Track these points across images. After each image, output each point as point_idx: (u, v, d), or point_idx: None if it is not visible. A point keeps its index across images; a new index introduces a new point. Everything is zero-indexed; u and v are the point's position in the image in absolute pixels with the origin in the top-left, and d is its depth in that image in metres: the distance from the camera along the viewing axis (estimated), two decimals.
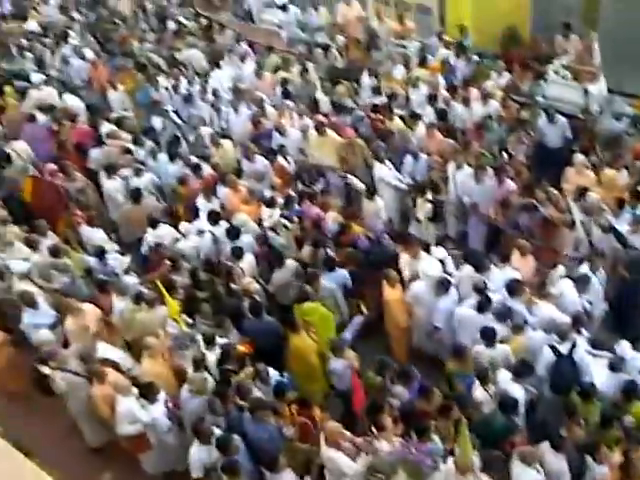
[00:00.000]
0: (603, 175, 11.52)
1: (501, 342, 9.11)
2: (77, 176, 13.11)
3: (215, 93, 14.56)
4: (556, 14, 14.70)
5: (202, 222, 11.65)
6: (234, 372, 9.07)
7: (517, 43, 14.98)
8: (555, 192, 11.08)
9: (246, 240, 11.14)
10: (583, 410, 8.27)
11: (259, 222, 11.55)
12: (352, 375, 9.07)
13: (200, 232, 11.50)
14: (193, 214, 11.90)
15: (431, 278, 10.07)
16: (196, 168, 12.69)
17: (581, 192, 10.92)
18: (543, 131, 12.71)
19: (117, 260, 11.37)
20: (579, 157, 11.79)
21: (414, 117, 13.14)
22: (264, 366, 9.08)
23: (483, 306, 9.45)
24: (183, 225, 11.92)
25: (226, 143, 13.51)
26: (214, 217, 11.46)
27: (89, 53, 16.91)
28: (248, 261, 10.89)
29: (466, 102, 13.31)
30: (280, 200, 11.73)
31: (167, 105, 14.76)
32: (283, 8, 17.32)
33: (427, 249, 10.76)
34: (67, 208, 12.37)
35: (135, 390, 8.88)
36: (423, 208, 11.81)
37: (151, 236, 11.63)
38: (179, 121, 14.42)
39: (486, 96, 13.24)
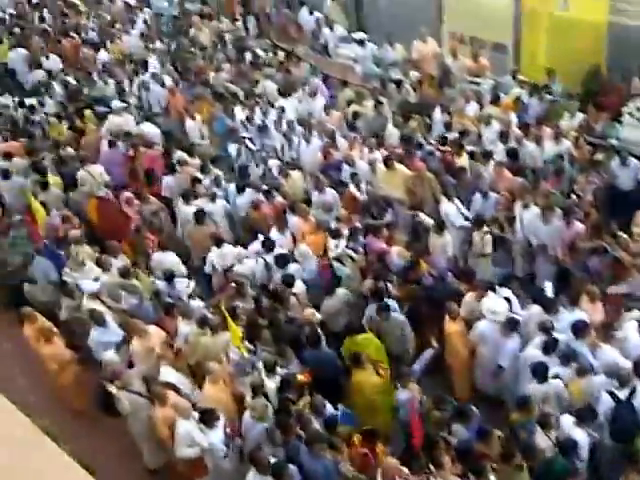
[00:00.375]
0: None
1: (554, 377, 9.01)
2: (151, 199, 13.45)
3: (289, 124, 14.73)
4: (631, 56, 14.49)
5: (256, 247, 11.86)
6: (293, 402, 9.12)
7: (599, 82, 14.69)
8: (625, 235, 10.88)
9: (295, 268, 11.29)
10: None
11: (324, 252, 11.65)
12: (412, 408, 9.02)
13: (254, 257, 11.72)
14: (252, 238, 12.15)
15: (498, 317, 9.94)
16: (268, 193, 12.88)
17: None
18: (615, 173, 12.49)
19: (184, 284, 11.53)
20: None
21: (486, 156, 13.06)
22: (321, 398, 9.10)
23: (549, 347, 9.28)
24: (237, 249, 12.12)
25: (295, 174, 13.67)
26: (268, 245, 11.60)
27: (168, 80, 17.34)
28: (299, 289, 11.00)
29: (538, 141, 13.17)
30: (345, 232, 11.77)
31: (243, 132, 15.02)
32: (360, 43, 17.47)
33: (492, 288, 10.64)
34: (137, 231, 12.65)
35: (195, 414, 8.99)
36: (484, 242, 11.70)
37: (215, 255, 11.85)
38: (254, 147, 14.67)
39: (558, 135, 13.09)
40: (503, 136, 13.42)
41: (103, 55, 19.48)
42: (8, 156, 14.87)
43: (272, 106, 15.61)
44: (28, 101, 17.35)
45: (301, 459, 8.43)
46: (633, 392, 8.64)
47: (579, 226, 11.26)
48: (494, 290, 10.45)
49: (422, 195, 12.76)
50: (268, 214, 12.67)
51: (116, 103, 16.54)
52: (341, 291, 10.85)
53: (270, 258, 11.43)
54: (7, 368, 11.76)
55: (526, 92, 14.68)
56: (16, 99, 17.69)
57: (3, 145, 15.65)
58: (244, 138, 14.78)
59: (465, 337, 10.24)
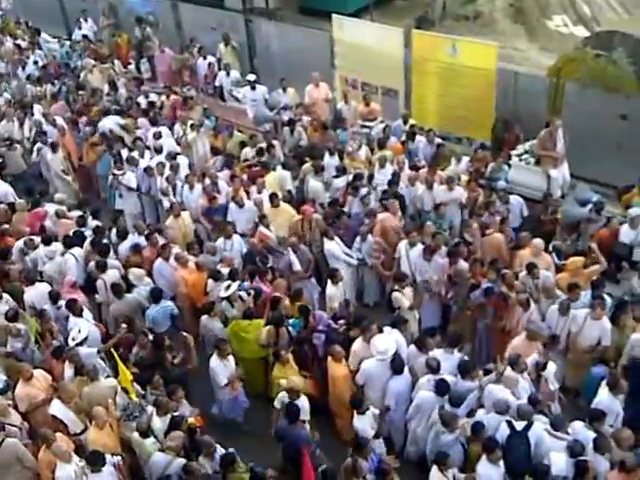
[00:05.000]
0: (570, 262, 11.52)
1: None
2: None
3: (173, 168, 14.63)
4: (519, 102, 15.05)
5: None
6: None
7: (508, 129, 15.05)
8: (509, 272, 11.18)
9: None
10: None
11: (205, 294, 11.75)
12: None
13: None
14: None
15: (386, 357, 9.91)
16: (150, 236, 12.74)
17: (529, 267, 11.11)
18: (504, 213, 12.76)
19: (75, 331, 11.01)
20: (537, 241, 11.76)
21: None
22: (211, 441, 9.05)
23: (441, 389, 9.39)
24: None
25: (185, 214, 13.58)
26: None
27: (60, 121, 17.09)
28: None
29: (429, 184, 13.38)
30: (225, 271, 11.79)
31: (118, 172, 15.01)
32: (252, 86, 17.52)
33: (380, 329, 10.44)
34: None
35: (77, 459, 8.75)
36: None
37: None
38: (133, 186, 14.84)
39: (451, 181, 13.25)
40: (394, 177, 13.67)
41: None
42: None
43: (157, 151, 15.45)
44: None
45: None
46: (530, 424, 8.83)
47: (462, 263, 11.52)
48: (382, 331, 10.38)
49: (310, 237, 12.90)
50: (148, 258, 12.53)
51: None
52: None
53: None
54: None
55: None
56: None
57: None
58: (115, 176, 14.83)
59: (350, 380, 10.20)
